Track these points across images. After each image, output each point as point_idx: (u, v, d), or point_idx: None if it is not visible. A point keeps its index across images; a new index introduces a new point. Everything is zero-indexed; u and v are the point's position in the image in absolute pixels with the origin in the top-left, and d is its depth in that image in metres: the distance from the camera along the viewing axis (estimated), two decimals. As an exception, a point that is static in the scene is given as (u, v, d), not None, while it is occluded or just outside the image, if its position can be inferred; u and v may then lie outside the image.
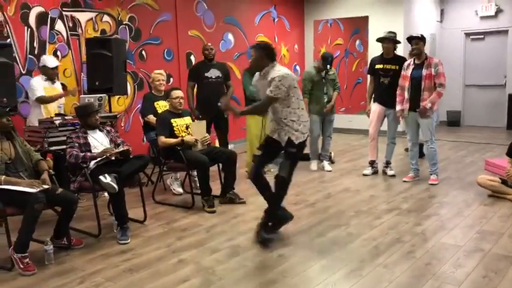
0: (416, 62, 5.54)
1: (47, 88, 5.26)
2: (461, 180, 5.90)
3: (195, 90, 6.19)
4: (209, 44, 6.32)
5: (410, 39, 5.51)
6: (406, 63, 5.65)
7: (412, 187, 5.64)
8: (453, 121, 10.74)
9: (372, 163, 6.30)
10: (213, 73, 6.06)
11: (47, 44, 5.96)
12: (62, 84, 5.64)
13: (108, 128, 4.54)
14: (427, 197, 5.23)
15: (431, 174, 5.77)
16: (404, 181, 5.85)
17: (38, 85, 5.20)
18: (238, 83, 6.97)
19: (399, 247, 3.80)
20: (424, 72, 5.43)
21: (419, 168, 5.95)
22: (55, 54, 6.03)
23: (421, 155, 6.32)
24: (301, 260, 3.59)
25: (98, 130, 4.39)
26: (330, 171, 6.55)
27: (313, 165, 6.67)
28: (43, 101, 5.18)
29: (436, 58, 5.67)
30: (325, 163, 6.71)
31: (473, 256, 3.59)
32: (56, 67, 5.38)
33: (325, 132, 6.63)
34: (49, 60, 5.32)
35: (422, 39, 5.46)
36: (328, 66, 6.36)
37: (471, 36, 10.43)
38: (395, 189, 5.58)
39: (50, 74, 5.30)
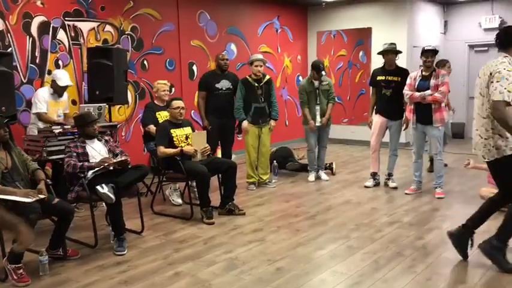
0: (423, 73, 5.50)
1: (50, 102, 5.22)
2: (464, 193, 5.82)
3: (196, 102, 6.17)
4: (224, 53, 6.25)
5: (425, 51, 5.47)
6: (412, 74, 5.60)
7: (414, 200, 5.56)
8: (457, 133, 10.66)
9: (374, 175, 6.24)
10: (224, 84, 6.01)
11: (49, 53, 5.96)
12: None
13: (106, 138, 4.51)
14: (430, 210, 5.16)
15: (435, 188, 5.69)
16: (407, 193, 5.78)
17: (42, 98, 5.13)
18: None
19: (400, 261, 3.72)
20: (432, 83, 5.39)
21: (422, 180, 5.88)
22: (56, 63, 6.03)
23: (432, 169, 6.29)
24: (299, 274, 3.53)
25: (96, 140, 4.36)
26: (327, 180, 6.53)
27: (311, 176, 6.64)
28: (41, 117, 5.13)
29: (444, 70, 5.64)
30: (322, 173, 6.70)
31: (475, 272, 3.51)
32: (67, 86, 5.34)
33: (320, 142, 6.61)
34: (62, 79, 5.21)
35: (436, 52, 5.47)
36: (324, 73, 6.32)
37: (475, 48, 10.39)
38: (397, 202, 5.51)
39: (58, 90, 5.25)
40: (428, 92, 5.37)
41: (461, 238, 3.70)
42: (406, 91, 5.54)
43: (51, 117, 5.18)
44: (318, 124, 6.38)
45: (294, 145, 8.35)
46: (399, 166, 6.69)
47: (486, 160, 3.48)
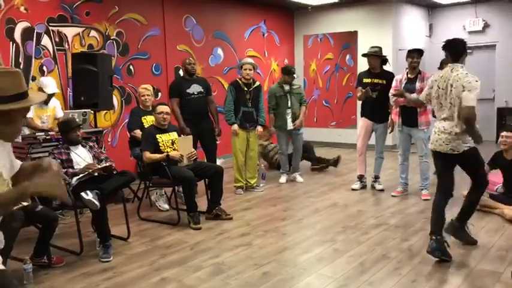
0: (409, 75, 5.55)
1: (36, 109, 5.19)
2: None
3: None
4: (190, 58, 6.25)
5: (410, 52, 5.54)
6: (398, 77, 5.65)
7: (400, 202, 5.60)
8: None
9: (361, 178, 6.27)
10: (195, 89, 5.95)
11: (33, 59, 5.92)
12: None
13: (91, 144, 4.48)
14: (416, 212, 5.19)
15: (422, 189, 5.74)
16: (393, 196, 5.82)
17: None
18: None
19: (385, 263, 3.74)
20: (418, 85, 5.44)
21: (408, 182, 5.92)
22: (41, 69, 5.99)
23: None
24: (285, 278, 3.53)
25: (80, 146, 4.33)
26: (302, 182, 6.67)
27: (283, 178, 6.77)
28: (27, 123, 5.09)
29: (429, 73, 5.68)
30: (297, 175, 6.80)
31: (459, 272, 3.54)
32: (53, 94, 5.30)
33: (294, 146, 6.71)
34: (48, 86, 5.21)
35: (421, 53, 5.57)
36: (295, 76, 6.47)
37: (460, 51, 10.50)
38: (384, 204, 5.54)
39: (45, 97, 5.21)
40: (414, 95, 5.41)
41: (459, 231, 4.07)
42: (392, 94, 5.58)
43: (36, 124, 5.15)
44: (290, 127, 6.50)
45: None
46: (385, 168, 6.73)
47: (456, 152, 3.83)
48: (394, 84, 5.63)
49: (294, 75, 6.45)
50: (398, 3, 9.44)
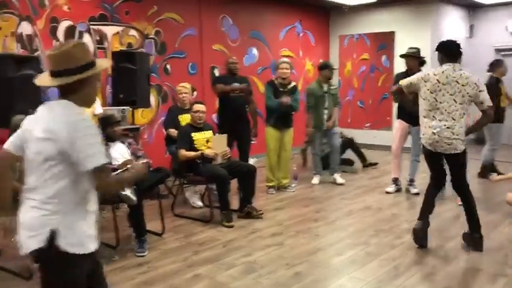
0: None
1: None
2: (488, 200, 5.72)
3: (217, 106, 6.18)
4: (234, 57, 6.29)
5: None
6: None
7: (436, 206, 5.47)
8: (481, 138, 10.46)
9: (395, 180, 6.18)
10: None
11: (75, 57, 6.09)
12: None
13: (129, 141, 4.60)
14: (451, 217, 5.09)
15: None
16: (428, 200, 5.70)
17: None
18: (261, 97, 6.96)
19: (419, 269, 3.69)
20: None
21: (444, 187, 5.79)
22: (82, 66, 6.16)
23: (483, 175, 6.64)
24: (318, 279, 3.53)
25: (119, 142, 4.45)
26: (343, 184, 6.51)
27: (315, 179, 6.70)
28: None
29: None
30: (336, 176, 6.69)
31: (496, 281, 3.46)
32: None
33: (331, 145, 6.64)
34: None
35: None
36: (335, 67, 6.57)
37: (502, 52, 10.19)
38: (418, 208, 5.39)
39: None
40: None
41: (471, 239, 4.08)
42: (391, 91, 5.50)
43: None
44: (325, 128, 6.49)
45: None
46: (421, 172, 6.59)
47: (458, 151, 3.93)
48: None
49: (334, 67, 6.46)
50: (438, 4, 9.24)
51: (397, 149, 6.05)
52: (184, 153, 4.92)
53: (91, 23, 6.24)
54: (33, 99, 4.71)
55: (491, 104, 3.89)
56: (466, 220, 4.07)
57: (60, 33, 5.95)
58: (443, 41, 4.08)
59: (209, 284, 3.48)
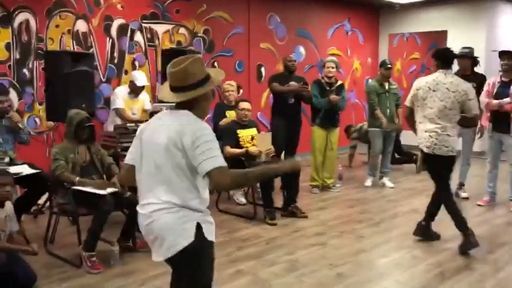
0: (503, 79, 5.24)
1: (127, 100, 5.54)
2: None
3: (271, 103, 6.19)
4: (291, 55, 6.26)
5: (501, 54, 5.24)
6: (491, 80, 5.35)
7: (486, 212, 5.31)
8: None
9: (444, 184, 6.00)
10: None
11: (126, 54, 6.29)
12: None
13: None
14: (503, 223, 4.90)
15: (511, 200, 5.40)
16: (479, 205, 5.52)
17: (120, 96, 5.49)
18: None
19: (467, 275, 3.58)
20: None
21: (496, 192, 5.58)
22: (133, 64, 6.35)
23: None
24: (360, 280, 3.49)
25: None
26: (392, 187, 6.34)
27: (368, 181, 6.52)
28: (119, 113, 5.45)
29: None
30: (386, 180, 6.51)
31: (551, 292, 3.31)
32: (143, 86, 5.62)
33: (386, 147, 6.45)
34: (139, 79, 5.51)
35: None
36: (389, 65, 6.33)
37: (562, 53, 9.70)
38: (468, 213, 5.24)
39: (135, 90, 5.56)
40: (507, 100, 5.10)
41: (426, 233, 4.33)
42: (483, 98, 5.30)
43: (128, 114, 5.48)
44: (388, 128, 6.30)
45: (360, 149, 8.19)
46: (472, 176, 6.38)
47: (452, 154, 4.09)
48: (486, 87, 5.34)
49: (389, 65, 6.31)
50: (493, 1, 8.89)
51: (447, 152, 5.86)
52: (229, 150, 4.98)
53: (143, 21, 6.42)
54: (87, 94, 4.91)
55: (478, 112, 4.23)
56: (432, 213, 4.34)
57: (114, 31, 6.15)
58: (440, 49, 4.45)
59: (251, 280, 3.51)
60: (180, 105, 2.16)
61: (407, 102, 4.32)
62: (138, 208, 2.22)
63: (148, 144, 2.17)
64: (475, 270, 3.68)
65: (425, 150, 4.13)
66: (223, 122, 5.57)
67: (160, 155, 2.09)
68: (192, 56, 2.19)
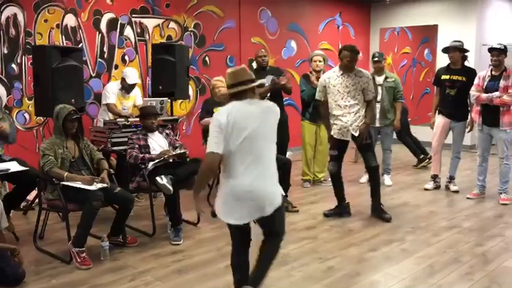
0: (493, 73, 5.26)
1: (119, 96, 5.52)
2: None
3: None
4: (262, 50, 6.20)
5: (490, 50, 5.26)
6: (481, 74, 5.37)
7: (476, 205, 5.34)
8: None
9: (435, 177, 6.03)
10: (268, 80, 5.93)
11: (116, 48, 6.25)
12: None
13: (167, 131, 4.68)
14: (493, 216, 4.93)
15: (500, 193, 5.44)
16: (468, 198, 5.55)
17: (111, 91, 5.47)
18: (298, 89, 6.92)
19: (456, 267, 3.60)
20: (502, 84, 5.15)
21: (485, 185, 5.62)
22: (123, 58, 6.31)
23: None
24: (350, 274, 3.51)
25: (157, 133, 4.54)
26: (390, 185, 6.28)
27: (363, 178, 6.33)
28: (110, 109, 5.44)
29: None
30: (386, 177, 6.33)
31: (538, 283, 3.34)
32: (135, 84, 5.60)
33: (384, 144, 6.30)
34: (130, 77, 5.50)
35: (504, 51, 5.20)
36: (377, 59, 6.08)
37: (552, 47, 9.76)
38: (458, 206, 5.31)
39: (126, 87, 5.54)
40: (496, 93, 5.13)
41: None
42: (473, 92, 5.33)
43: (119, 110, 5.46)
44: (377, 125, 6.10)
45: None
46: (462, 169, 6.43)
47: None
48: (476, 81, 5.36)
49: (376, 58, 6.09)
50: (484, -5, 8.92)
51: (437, 146, 5.89)
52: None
53: (133, 15, 6.38)
54: (76, 89, 4.87)
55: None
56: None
57: (103, 26, 6.10)
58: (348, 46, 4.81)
59: (242, 274, 3.50)
60: (234, 97, 2.82)
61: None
62: None
63: (236, 128, 2.76)
64: (464, 262, 3.70)
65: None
66: (204, 121, 5.55)
67: (251, 135, 2.82)
68: (242, 66, 2.95)
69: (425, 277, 3.43)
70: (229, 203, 2.85)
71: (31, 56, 5.05)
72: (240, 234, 2.95)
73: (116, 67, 6.23)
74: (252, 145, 2.75)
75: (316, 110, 5.92)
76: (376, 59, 6.15)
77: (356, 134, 4.67)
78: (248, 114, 2.77)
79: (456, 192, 5.81)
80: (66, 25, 5.79)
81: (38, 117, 5.41)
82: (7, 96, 5.41)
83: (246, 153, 2.75)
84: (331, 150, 4.91)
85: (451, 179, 5.96)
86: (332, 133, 4.80)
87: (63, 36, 5.78)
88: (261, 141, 2.79)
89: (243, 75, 2.83)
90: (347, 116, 4.66)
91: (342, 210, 4.95)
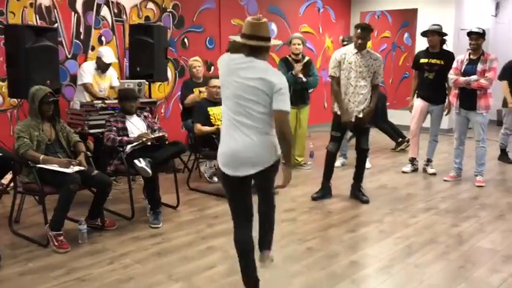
0: (471, 57, 5.31)
1: (95, 76, 5.41)
2: (507, 182, 5.65)
3: None
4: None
5: (468, 34, 5.30)
6: (459, 57, 5.42)
7: (452, 187, 5.44)
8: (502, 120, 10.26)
9: (412, 160, 6.11)
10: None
11: (93, 29, 6.11)
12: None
13: (145, 114, 4.61)
14: (468, 197, 5.03)
15: (476, 176, 5.54)
16: (445, 180, 5.65)
17: (88, 71, 5.36)
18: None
19: (433, 247, 3.67)
20: (479, 67, 5.21)
21: (462, 168, 5.72)
22: (100, 39, 6.18)
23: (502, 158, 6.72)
24: (329, 255, 3.54)
25: (135, 115, 4.47)
26: (369, 168, 6.30)
27: (338, 162, 6.29)
28: (87, 88, 5.34)
29: (493, 55, 5.40)
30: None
31: (511, 262, 3.42)
32: (111, 63, 5.49)
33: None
34: (106, 56, 5.40)
35: (482, 35, 5.24)
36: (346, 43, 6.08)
37: (528, 32, 9.91)
38: (435, 188, 5.40)
39: (102, 66, 5.43)
40: (474, 77, 5.19)
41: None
42: (451, 75, 5.39)
43: (96, 91, 5.36)
44: None
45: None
46: (439, 152, 6.53)
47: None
48: (455, 64, 5.41)
49: (345, 42, 6.15)
50: (463, -20, 8.98)
51: (416, 129, 5.96)
52: (200, 127, 4.92)
53: (109, -5, 6.22)
54: (52, 70, 4.75)
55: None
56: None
57: (79, 6, 5.95)
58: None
59: (222, 256, 3.51)
60: (251, 53, 2.62)
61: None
62: None
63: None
64: (440, 243, 3.77)
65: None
66: (188, 99, 5.53)
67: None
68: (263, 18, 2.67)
69: (403, 257, 3.49)
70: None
71: (3, 36, 4.90)
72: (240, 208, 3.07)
73: (93, 48, 6.10)
74: None
75: (295, 93, 5.91)
76: (345, 42, 6.20)
77: (360, 116, 4.67)
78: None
79: (433, 174, 5.90)
80: (40, 4, 5.62)
81: (12, 99, 5.28)
82: (-21, 77, 5.25)
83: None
84: (334, 132, 4.89)
85: (429, 161, 6.05)
86: (339, 112, 4.75)
87: (37, 16, 5.61)
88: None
89: (265, 30, 2.62)
90: (356, 96, 4.66)
91: (326, 191, 4.99)
